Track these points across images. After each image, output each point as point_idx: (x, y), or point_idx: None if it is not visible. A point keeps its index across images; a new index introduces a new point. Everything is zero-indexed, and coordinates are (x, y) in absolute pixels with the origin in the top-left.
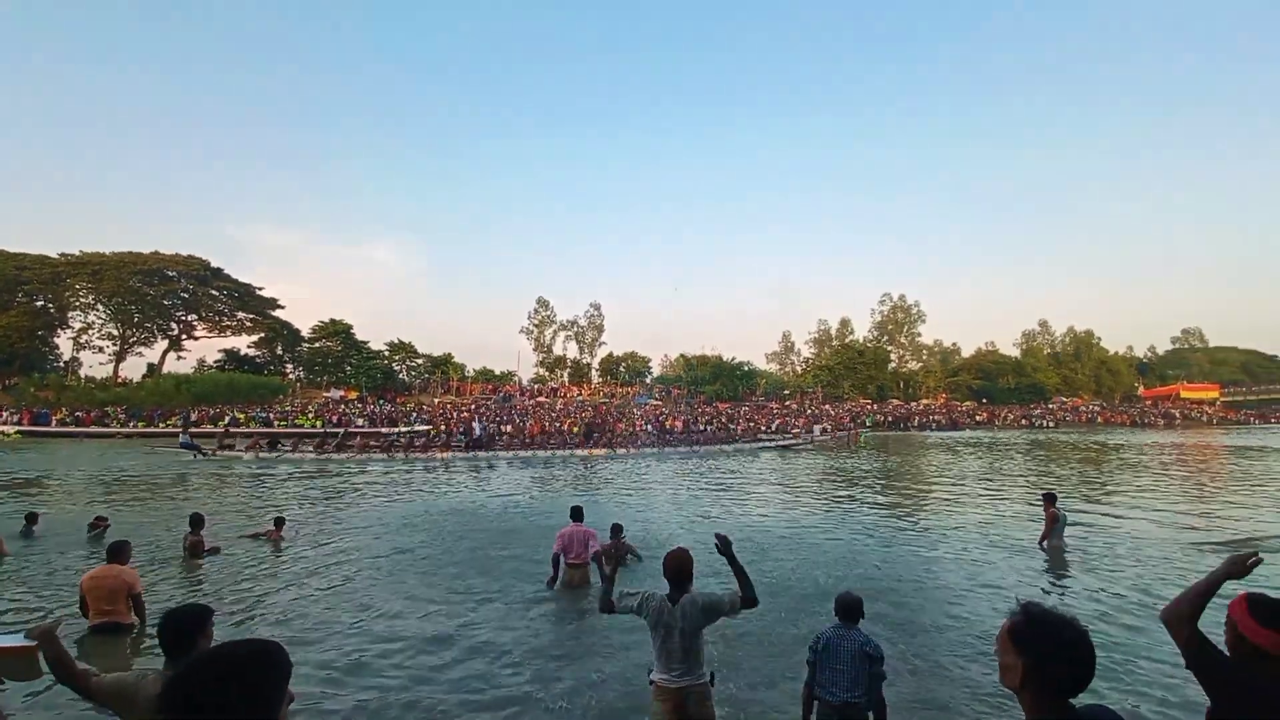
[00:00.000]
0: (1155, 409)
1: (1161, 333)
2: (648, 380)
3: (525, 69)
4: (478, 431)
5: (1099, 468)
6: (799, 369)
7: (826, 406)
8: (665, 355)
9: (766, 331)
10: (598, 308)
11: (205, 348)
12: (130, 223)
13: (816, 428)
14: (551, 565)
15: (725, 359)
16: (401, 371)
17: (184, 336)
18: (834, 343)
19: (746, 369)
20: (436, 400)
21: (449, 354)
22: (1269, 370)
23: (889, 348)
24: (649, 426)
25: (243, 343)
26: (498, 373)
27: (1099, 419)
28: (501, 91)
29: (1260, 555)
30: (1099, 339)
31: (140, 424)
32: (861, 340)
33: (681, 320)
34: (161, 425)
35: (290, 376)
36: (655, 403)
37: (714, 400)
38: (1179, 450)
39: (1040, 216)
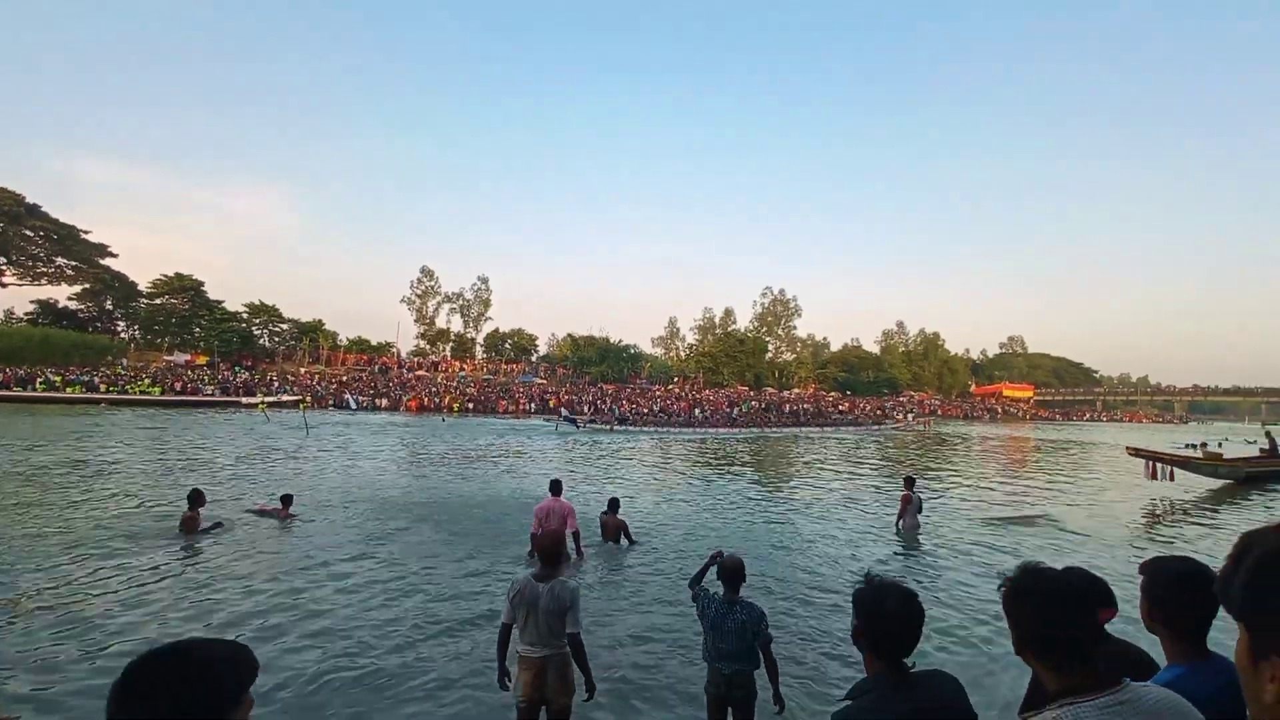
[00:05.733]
0: (983, 404)
1: (991, 338)
2: (533, 358)
3: (418, 23)
4: (352, 404)
5: (948, 454)
6: (683, 354)
7: (707, 392)
8: (553, 334)
9: (654, 316)
10: (485, 281)
11: (14, 297)
12: None
13: (909, 415)
14: (531, 541)
15: (612, 341)
16: (263, 337)
17: None
18: (717, 331)
19: (633, 352)
20: (303, 370)
21: (319, 320)
22: (1075, 376)
23: (767, 338)
24: (531, 404)
25: (62, 293)
26: (374, 343)
27: (939, 411)
28: (390, 43)
29: None
30: (944, 341)
31: None
32: (743, 330)
33: (571, 300)
34: None
35: (122, 335)
36: (540, 381)
37: (599, 381)
38: (1000, 441)
39: (904, 225)
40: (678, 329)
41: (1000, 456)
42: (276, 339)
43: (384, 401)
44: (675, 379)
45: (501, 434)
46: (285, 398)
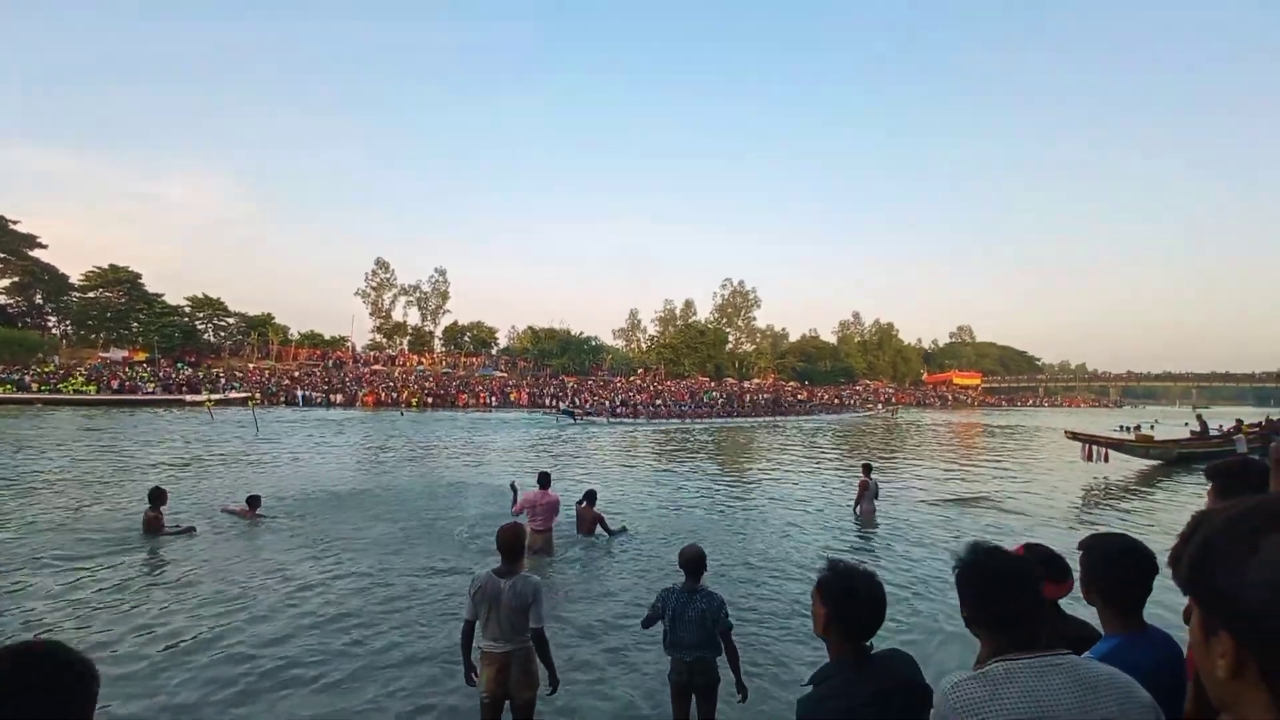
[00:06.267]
0: (934, 392)
1: (942, 328)
2: (494, 351)
3: (374, 4)
4: (303, 401)
5: (904, 440)
6: (644, 346)
7: (669, 384)
8: (513, 326)
9: (615, 308)
10: (443, 273)
11: None
12: None
13: (885, 408)
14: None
15: (573, 333)
16: (207, 331)
17: None
18: (678, 322)
19: (594, 344)
20: (252, 365)
21: (268, 314)
22: (1019, 364)
23: (727, 329)
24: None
25: None
26: (328, 337)
27: (893, 399)
28: (343, 27)
29: None
30: (897, 331)
31: None
32: (703, 321)
33: (532, 292)
34: None
35: (53, 331)
36: (501, 374)
37: (560, 373)
38: (951, 427)
39: (861, 218)
40: (639, 320)
41: (951, 442)
42: (222, 334)
43: (339, 397)
44: (638, 370)
45: (466, 428)
46: (232, 395)
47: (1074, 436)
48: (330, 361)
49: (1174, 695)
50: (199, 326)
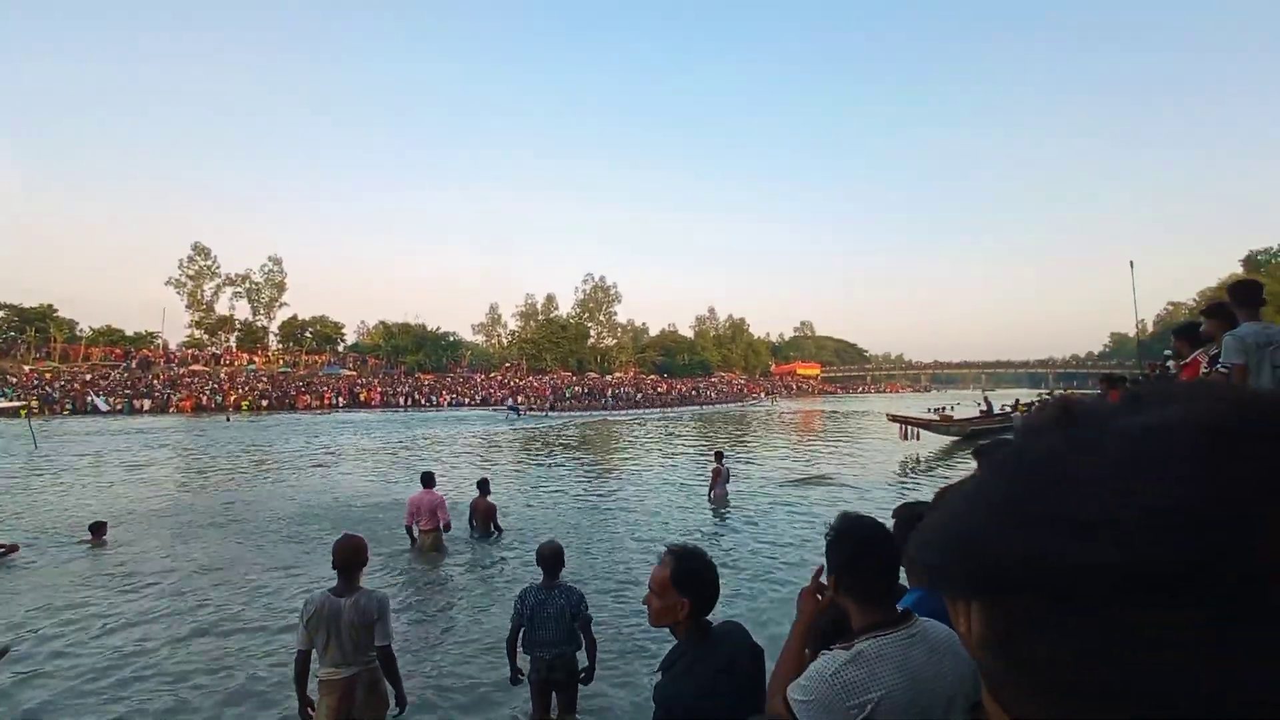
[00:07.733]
0: (781, 382)
1: (787, 323)
2: (340, 348)
3: None
4: (101, 406)
5: (756, 427)
6: (505, 341)
7: (530, 378)
8: (363, 322)
9: (475, 302)
10: (278, 262)
11: None
12: None
13: (767, 398)
14: (407, 534)
15: (430, 328)
16: None
17: None
18: (540, 317)
19: (452, 339)
20: (28, 368)
21: (48, 305)
22: (851, 355)
23: (589, 325)
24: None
25: None
26: (130, 334)
27: (745, 390)
28: None
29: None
30: (749, 325)
31: None
32: (565, 316)
33: (384, 286)
34: None
35: None
36: (349, 373)
37: (415, 371)
38: (796, 413)
39: (713, 216)
40: (499, 315)
41: (796, 427)
42: None
43: (146, 403)
44: (504, 365)
45: (306, 432)
46: (1, 403)
47: (894, 419)
48: (134, 361)
49: None
50: None
